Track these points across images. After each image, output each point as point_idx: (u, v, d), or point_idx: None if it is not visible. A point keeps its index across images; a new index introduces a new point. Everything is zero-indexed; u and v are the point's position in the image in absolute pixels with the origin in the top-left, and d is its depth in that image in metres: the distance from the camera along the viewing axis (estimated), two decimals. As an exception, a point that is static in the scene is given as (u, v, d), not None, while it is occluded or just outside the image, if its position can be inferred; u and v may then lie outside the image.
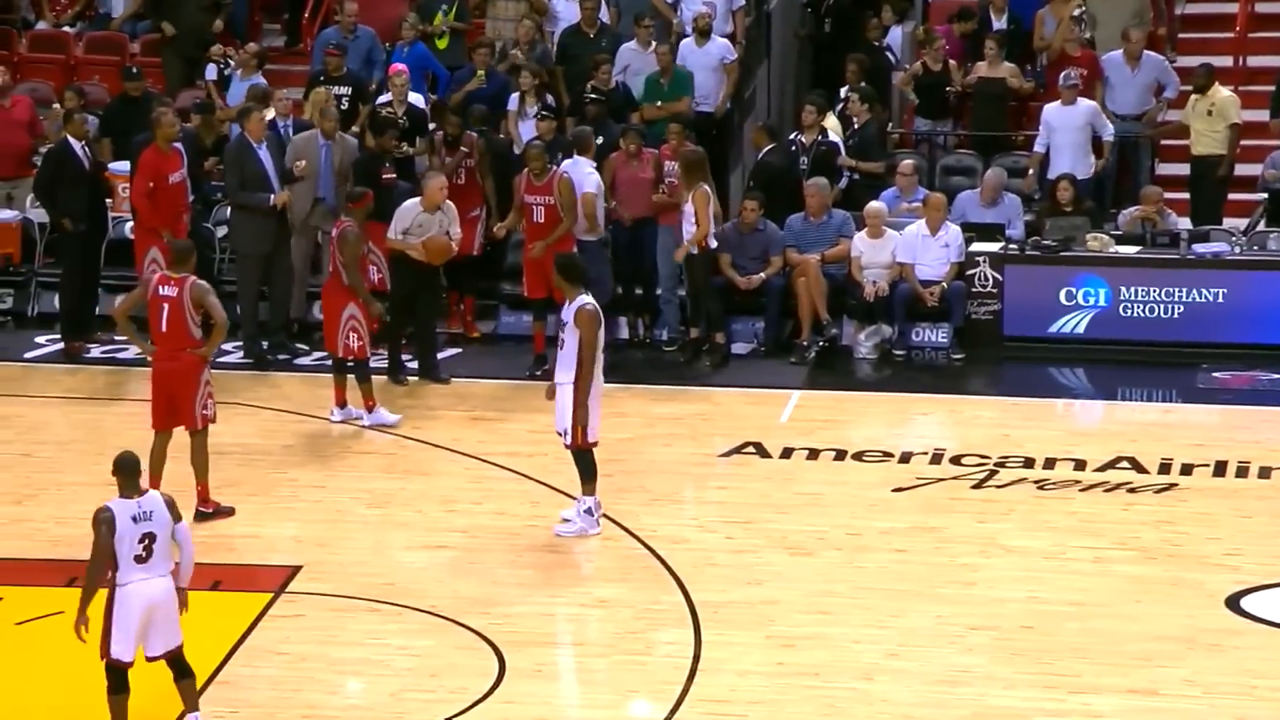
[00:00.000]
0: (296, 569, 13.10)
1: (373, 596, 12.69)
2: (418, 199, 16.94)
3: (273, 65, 21.08)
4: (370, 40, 20.73)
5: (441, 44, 20.88)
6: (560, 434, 13.79)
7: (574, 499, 13.99)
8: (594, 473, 13.80)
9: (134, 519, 10.29)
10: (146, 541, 10.29)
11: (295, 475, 15.19)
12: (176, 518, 10.45)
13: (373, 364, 16.42)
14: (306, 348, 18.26)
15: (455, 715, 11.08)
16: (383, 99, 19.61)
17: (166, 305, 13.61)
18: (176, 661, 10.55)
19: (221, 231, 19.09)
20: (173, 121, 17.72)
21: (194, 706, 10.63)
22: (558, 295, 14.16)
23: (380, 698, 11.35)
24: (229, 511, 13.97)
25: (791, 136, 19.20)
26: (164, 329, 13.69)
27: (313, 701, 11.29)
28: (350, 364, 16.16)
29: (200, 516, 13.73)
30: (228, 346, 18.29)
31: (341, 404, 16.27)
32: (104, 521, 10.28)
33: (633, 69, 20.10)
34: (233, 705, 11.17)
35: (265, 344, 18.07)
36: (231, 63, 20.60)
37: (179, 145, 17.79)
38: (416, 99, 19.80)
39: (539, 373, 17.06)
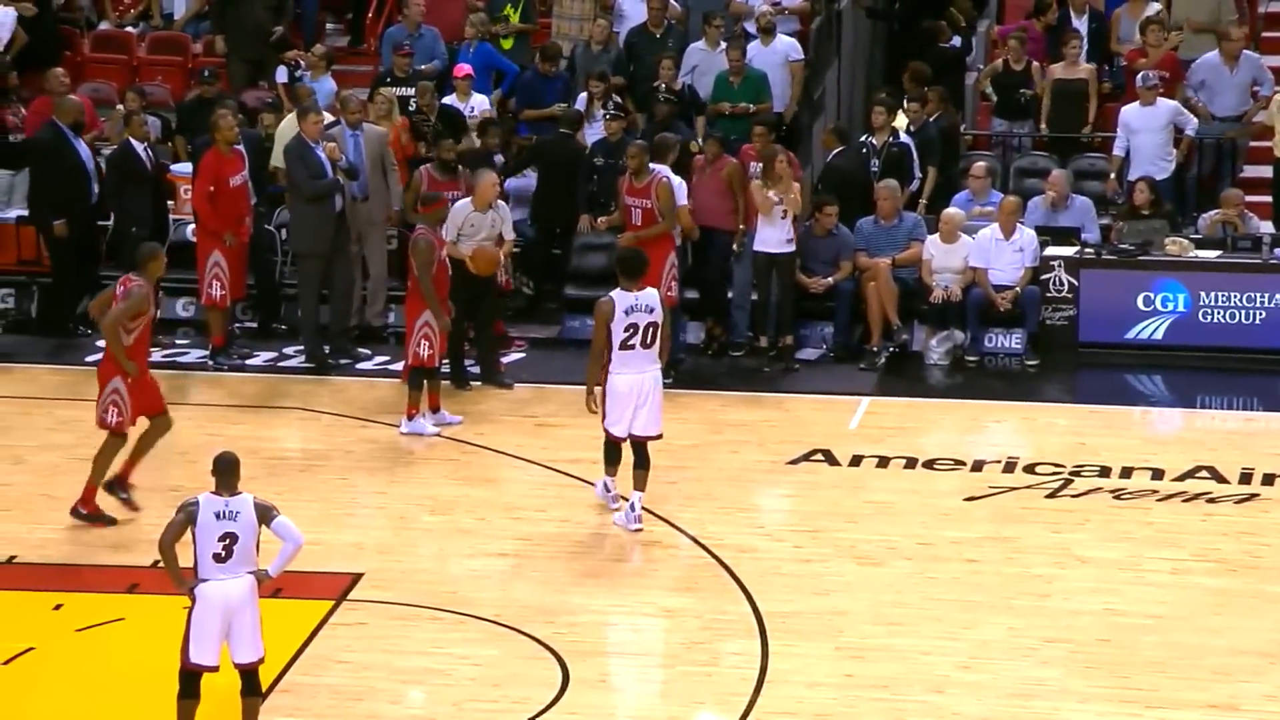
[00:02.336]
0: (358, 576, 13.15)
1: (435, 604, 12.72)
2: (469, 199, 16.91)
3: (337, 65, 21.15)
4: (434, 39, 20.79)
5: (506, 44, 20.91)
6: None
7: (626, 499, 14.09)
8: (615, 458, 14.07)
9: (217, 515, 10.43)
10: (227, 541, 10.42)
11: (356, 481, 15.24)
12: (265, 521, 10.53)
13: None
14: (368, 352, 18.31)
15: (518, 726, 11.14)
16: (448, 99, 19.66)
17: (114, 304, 14.00)
18: (249, 676, 10.62)
19: (284, 235, 19.16)
20: (232, 124, 17.81)
21: None
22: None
23: (443, 707, 11.38)
24: (109, 521, 14.06)
25: (862, 138, 19.16)
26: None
27: (375, 711, 11.33)
28: (417, 370, 16.15)
29: (75, 514, 14.00)
30: (289, 350, 18.45)
31: (435, 408, 16.27)
32: (184, 508, 10.51)
33: (700, 69, 20.09)
34: (294, 714, 11.22)
35: (326, 348, 18.12)
36: (303, 64, 20.67)
37: (240, 147, 17.89)
38: (481, 100, 19.86)
39: None
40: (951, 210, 18.41)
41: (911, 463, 15.54)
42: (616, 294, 13.88)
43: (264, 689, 10.90)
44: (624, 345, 13.80)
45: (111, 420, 14.03)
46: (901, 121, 19.30)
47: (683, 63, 20.03)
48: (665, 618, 12.68)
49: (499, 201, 17.03)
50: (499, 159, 19.02)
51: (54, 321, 19.00)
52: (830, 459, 15.64)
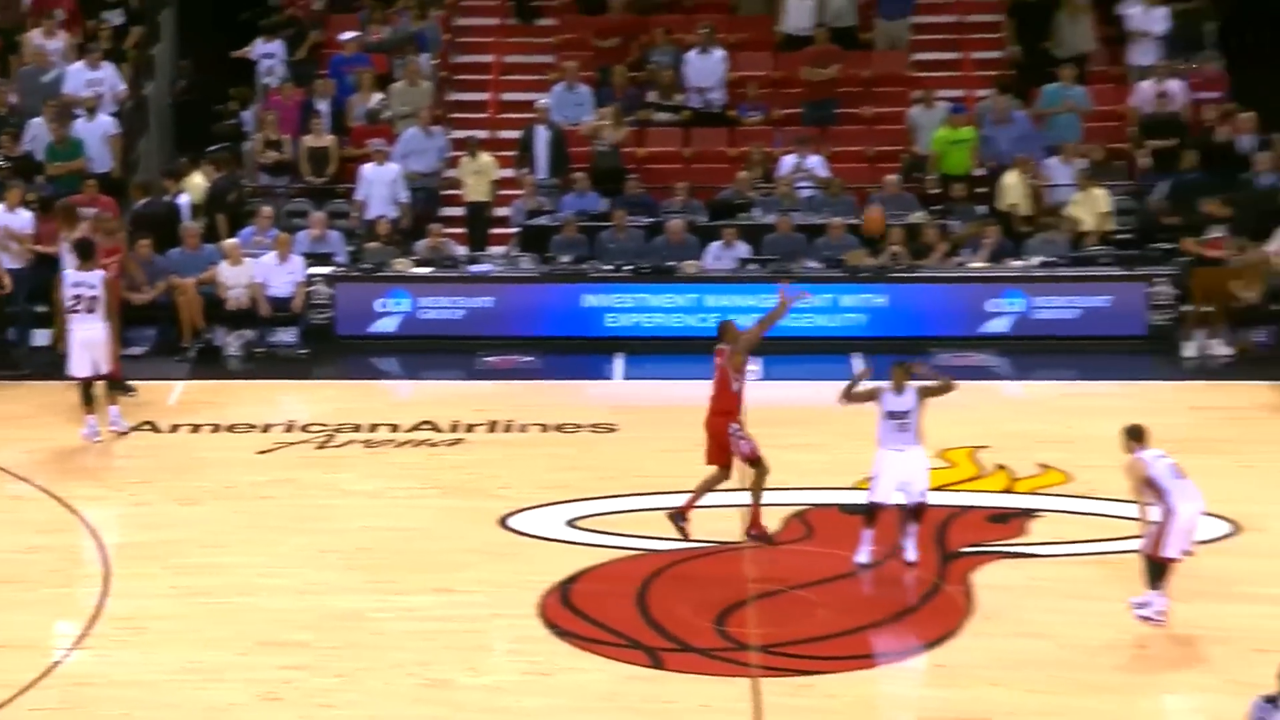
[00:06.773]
0: None
1: None
2: None
3: None
4: None
5: None
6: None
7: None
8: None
9: None
10: None
11: None
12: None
13: None
14: None
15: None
16: None
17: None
18: None
19: None
20: None
21: None
22: None
23: None
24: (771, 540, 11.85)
25: (165, 197, 18.82)
26: None
27: None
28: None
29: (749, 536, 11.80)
30: None
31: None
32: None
33: (39, 139, 19.34)
34: None
35: None
36: None
37: None
38: None
39: None
40: (231, 241, 18.33)
41: (217, 428, 15.27)
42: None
43: None
44: None
45: (746, 450, 11.29)
46: (198, 180, 19.01)
47: (25, 134, 19.13)
48: (25, 554, 12.09)
49: None
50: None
51: None
52: (155, 428, 15.19)
